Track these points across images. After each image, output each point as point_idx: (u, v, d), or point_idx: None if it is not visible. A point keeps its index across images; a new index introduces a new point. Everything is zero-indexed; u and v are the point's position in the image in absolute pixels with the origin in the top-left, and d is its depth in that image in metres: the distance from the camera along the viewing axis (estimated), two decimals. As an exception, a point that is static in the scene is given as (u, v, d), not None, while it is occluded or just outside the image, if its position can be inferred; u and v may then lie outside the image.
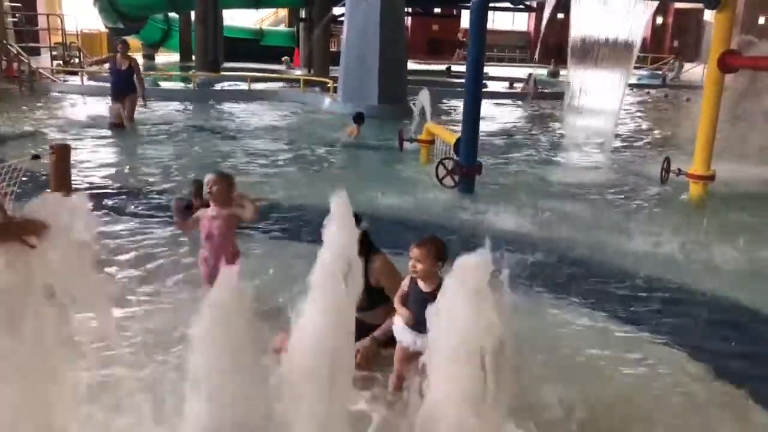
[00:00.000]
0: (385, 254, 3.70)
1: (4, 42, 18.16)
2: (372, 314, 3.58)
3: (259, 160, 9.15)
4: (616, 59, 9.84)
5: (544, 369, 3.62)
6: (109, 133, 10.53)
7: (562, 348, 3.96)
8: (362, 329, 3.50)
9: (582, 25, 11.53)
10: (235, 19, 28.58)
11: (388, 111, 13.25)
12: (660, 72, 27.17)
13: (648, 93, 21.91)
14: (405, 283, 3.21)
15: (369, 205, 6.79)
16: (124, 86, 10.80)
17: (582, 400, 3.33)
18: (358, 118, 10.91)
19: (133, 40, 25.90)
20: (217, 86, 18.01)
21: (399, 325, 3.21)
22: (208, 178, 4.05)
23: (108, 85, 11.63)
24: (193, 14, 22.35)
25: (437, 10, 34.83)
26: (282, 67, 24.16)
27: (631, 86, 20.95)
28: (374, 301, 3.49)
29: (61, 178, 5.15)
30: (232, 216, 4.03)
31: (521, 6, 26.55)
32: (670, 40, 38.17)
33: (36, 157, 3.43)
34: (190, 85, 17.55)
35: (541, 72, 23.71)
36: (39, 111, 12.94)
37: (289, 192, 7.40)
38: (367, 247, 3.52)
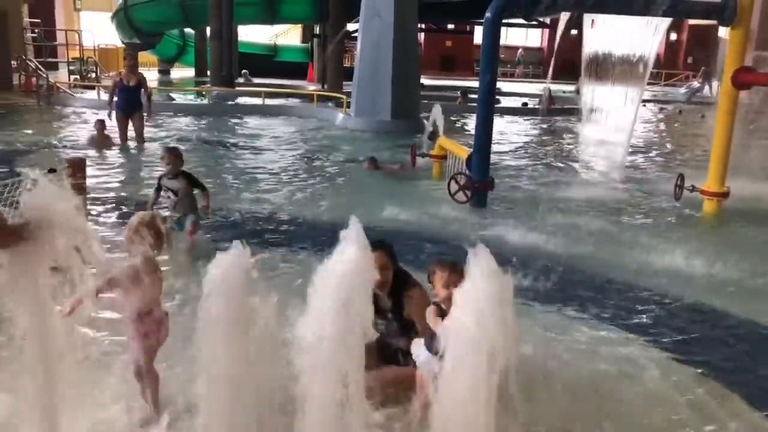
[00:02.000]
0: (422, 288, 3.45)
1: (24, 57, 18.46)
2: (403, 340, 3.43)
3: (271, 175, 9.19)
4: (630, 75, 9.83)
5: (560, 386, 3.60)
6: (119, 146, 10.55)
7: (575, 364, 3.92)
8: (389, 352, 3.49)
9: (595, 42, 11.54)
10: (249, 34, 28.82)
11: (401, 126, 13.30)
12: (693, 85, 25.93)
13: (661, 109, 21.84)
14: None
15: (380, 219, 6.81)
16: (133, 103, 10.58)
17: (596, 417, 3.31)
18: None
19: (149, 56, 26.28)
20: (234, 101, 18.16)
21: (422, 350, 3.10)
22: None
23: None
24: (208, 30, 22.59)
25: (451, 26, 34.95)
26: (301, 83, 24.31)
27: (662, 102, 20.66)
28: (405, 329, 3.42)
29: (76, 191, 5.19)
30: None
31: (534, 22, 26.61)
32: (685, 56, 38.08)
33: (52, 170, 3.47)
34: (205, 100, 17.71)
35: (556, 88, 23.73)
36: (56, 125, 13.11)
37: (301, 207, 7.44)
38: (400, 281, 3.47)
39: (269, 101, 17.30)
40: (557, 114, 17.91)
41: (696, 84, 25.64)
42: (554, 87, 22.61)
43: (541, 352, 3.97)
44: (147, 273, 3.07)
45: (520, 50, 37.05)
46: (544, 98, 18.88)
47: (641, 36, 8.61)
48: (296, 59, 28.76)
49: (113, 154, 10.14)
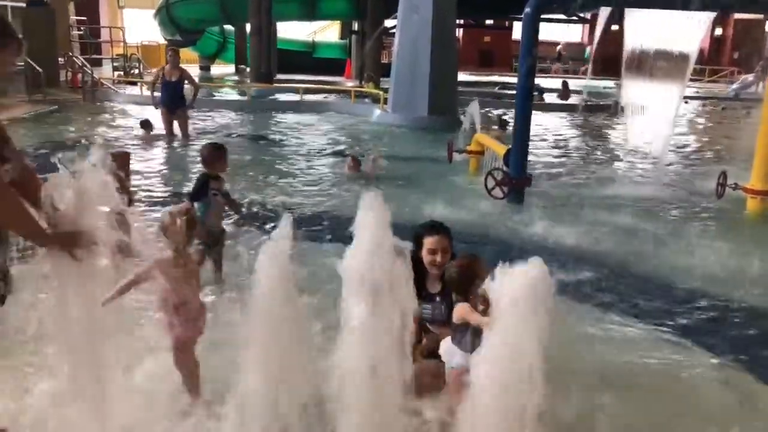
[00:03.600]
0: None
1: (70, 54, 18.92)
2: (448, 330, 3.36)
3: (307, 170, 9.29)
4: (672, 71, 9.67)
5: (599, 385, 3.59)
6: (165, 141, 10.69)
7: (614, 363, 3.91)
8: (431, 344, 3.44)
9: (636, 37, 11.37)
10: (288, 31, 29.03)
11: (438, 122, 13.30)
12: (748, 79, 24.92)
13: (704, 105, 21.39)
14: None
15: (416, 215, 6.84)
16: (175, 99, 10.60)
17: (634, 417, 3.30)
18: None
19: (190, 52, 26.67)
20: (272, 97, 18.34)
21: (450, 346, 3.11)
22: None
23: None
24: (248, 26, 22.85)
25: (489, 21, 34.70)
26: (338, 79, 24.43)
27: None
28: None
29: (121, 184, 5.33)
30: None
31: (574, 18, 26.25)
32: (730, 51, 37.15)
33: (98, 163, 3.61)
34: (245, 97, 17.92)
35: (596, 84, 23.41)
36: (100, 120, 13.44)
37: (336, 202, 7.52)
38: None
39: (307, 97, 17.42)
40: (594, 110, 17.69)
41: (750, 78, 24.77)
42: (594, 83, 22.32)
43: (578, 349, 3.97)
44: (181, 265, 3.16)
45: (560, 45, 36.49)
46: (563, 90, 19.78)
47: (684, 31, 8.47)
48: (334, 56, 28.85)
49: (158, 150, 10.32)
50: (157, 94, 10.73)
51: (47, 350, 2.80)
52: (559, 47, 36.43)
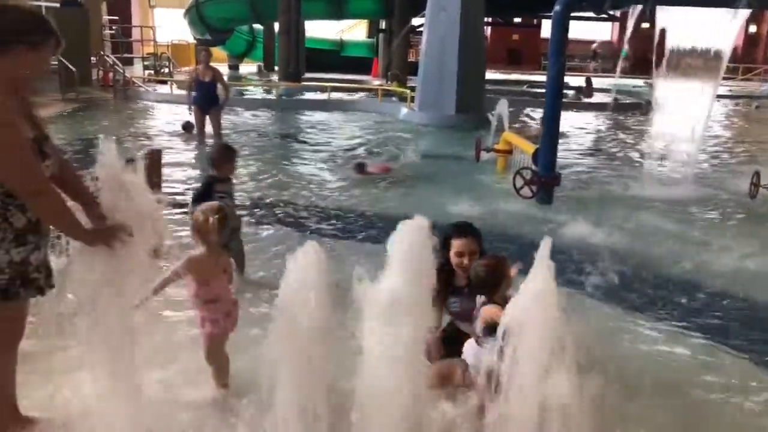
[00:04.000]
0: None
1: (102, 53, 19.23)
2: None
3: (336, 169, 9.32)
4: (704, 69, 9.52)
5: (629, 386, 3.55)
6: (197, 140, 10.69)
7: (643, 366, 3.88)
8: (457, 342, 3.43)
9: (668, 35, 11.21)
10: (316, 30, 29.15)
11: (465, 121, 13.26)
12: None
13: (737, 104, 21.03)
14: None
15: (444, 213, 6.84)
16: (209, 99, 10.53)
17: (662, 418, 3.27)
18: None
19: (219, 51, 26.91)
20: (300, 96, 18.43)
21: (474, 347, 3.11)
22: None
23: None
24: (276, 26, 23.01)
25: (517, 19, 34.47)
26: (365, 78, 24.46)
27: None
28: None
29: (153, 180, 5.41)
30: None
31: (604, 16, 25.97)
32: (765, 49, 36.44)
33: (130, 160, 3.66)
34: (272, 96, 18.05)
35: (625, 82, 23.15)
36: (132, 118, 13.64)
37: (365, 201, 7.54)
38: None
39: (334, 96, 17.48)
40: (624, 109, 17.49)
41: None
42: (624, 82, 22.08)
43: (607, 351, 3.94)
44: (213, 262, 3.21)
45: (596, 43, 35.93)
46: (585, 85, 19.85)
47: (717, 28, 8.34)
48: (361, 54, 28.91)
49: (191, 149, 10.36)
50: (194, 93, 10.72)
51: (81, 345, 2.85)
52: (594, 45, 35.99)
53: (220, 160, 4.71)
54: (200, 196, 4.48)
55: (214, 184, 4.63)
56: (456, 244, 3.56)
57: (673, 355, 4.02)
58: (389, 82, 18.98)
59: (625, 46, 35.65)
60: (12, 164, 2.42)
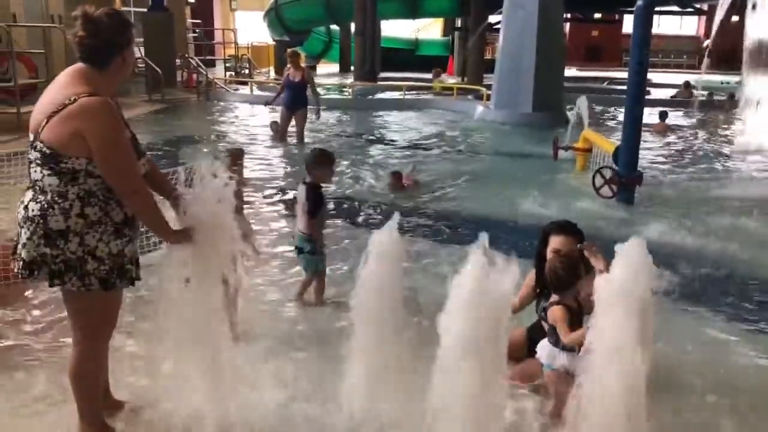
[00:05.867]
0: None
1: (186, 55, 19.94)
2: None
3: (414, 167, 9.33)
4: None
5: (702, 389, 3.47)
6: (278, 140, 10.85)
7: (731, 371, 3.75)
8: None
9: (759, 28, 10.70)
10: (391, 29, 29.29)
11: (543, 119, 13.05)
12: None
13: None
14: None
15: (521, 213, 6.78)
16: (297, 99, 10.50)
17: (738, 424, 3.16)
18: None
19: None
20: (375, 95, 18.51)
21: (548, 346, 3.11)
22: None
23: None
24: (353, 26, 23.27)
25: (597, 15, 33.62)
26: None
27: None
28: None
29: (235, 180, 5.57)
30: None
31: (690, 9, 24.99)
32: None
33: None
34: (348, 95, 18.23)
35: (712, 79, 22.21)
36: (214, 118, 14.09)
37: (443, 200, 7.54)
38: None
39: (409, 95, 17.49)
40: (709, 106, 16.78)
41: None
42: (712, 78, 21.18)
43: (692, 356, 3.83)
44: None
45: (707, 41, 34.18)
46: (683, 89, 18.53)
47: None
48: (437, 53, 28.84)
49: (269, 150, 10.45)
50: (283, 95, 10.83)
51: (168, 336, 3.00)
52: (706, 42, 34.42)
53: (321, 166, 4.43)
54: (318, 207, 4.35)
55: (322, 193, 4.44)
56: (554, 241, 3.43)
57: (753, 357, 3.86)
58: (433, 79, 18.83)
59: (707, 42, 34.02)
60: (119, 162, 2.61)
